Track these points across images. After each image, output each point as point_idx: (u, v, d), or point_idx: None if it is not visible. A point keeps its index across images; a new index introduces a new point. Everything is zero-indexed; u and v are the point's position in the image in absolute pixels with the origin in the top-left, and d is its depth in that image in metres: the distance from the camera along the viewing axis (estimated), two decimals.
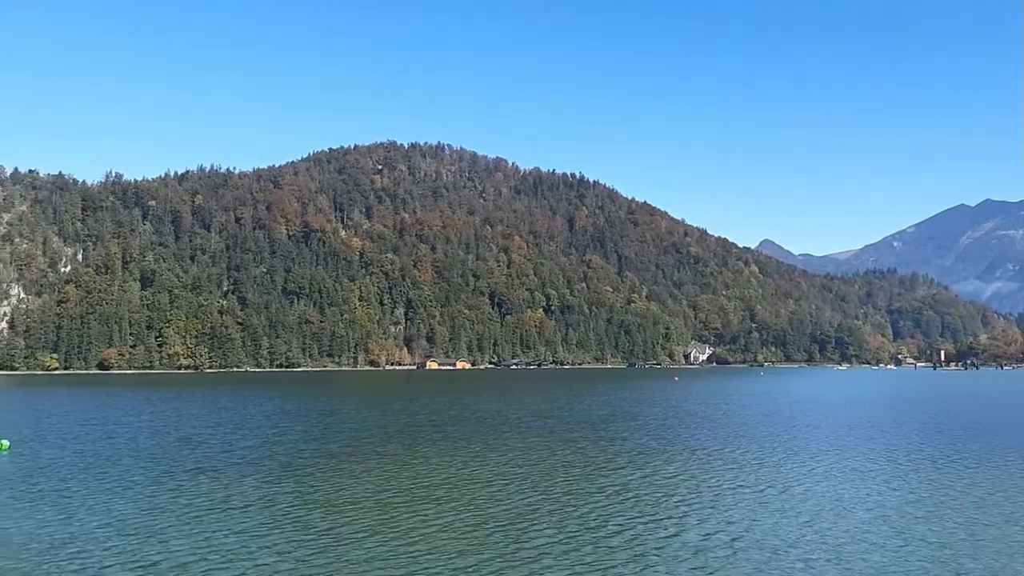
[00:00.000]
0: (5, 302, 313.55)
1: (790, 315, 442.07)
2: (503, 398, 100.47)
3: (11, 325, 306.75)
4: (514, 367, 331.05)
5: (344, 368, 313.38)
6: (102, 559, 22.70)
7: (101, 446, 48.81)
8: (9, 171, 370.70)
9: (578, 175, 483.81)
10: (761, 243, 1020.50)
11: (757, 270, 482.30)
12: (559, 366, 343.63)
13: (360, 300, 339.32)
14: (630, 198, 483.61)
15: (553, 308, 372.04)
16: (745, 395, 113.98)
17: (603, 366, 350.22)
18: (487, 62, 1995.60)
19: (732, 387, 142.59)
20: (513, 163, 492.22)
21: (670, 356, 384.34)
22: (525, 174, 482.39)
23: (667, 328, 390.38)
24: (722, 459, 42.80)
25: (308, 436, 53.67)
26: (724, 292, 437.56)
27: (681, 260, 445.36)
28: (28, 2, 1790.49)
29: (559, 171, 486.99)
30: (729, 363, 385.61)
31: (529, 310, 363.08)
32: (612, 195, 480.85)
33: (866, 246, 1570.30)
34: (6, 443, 47.92)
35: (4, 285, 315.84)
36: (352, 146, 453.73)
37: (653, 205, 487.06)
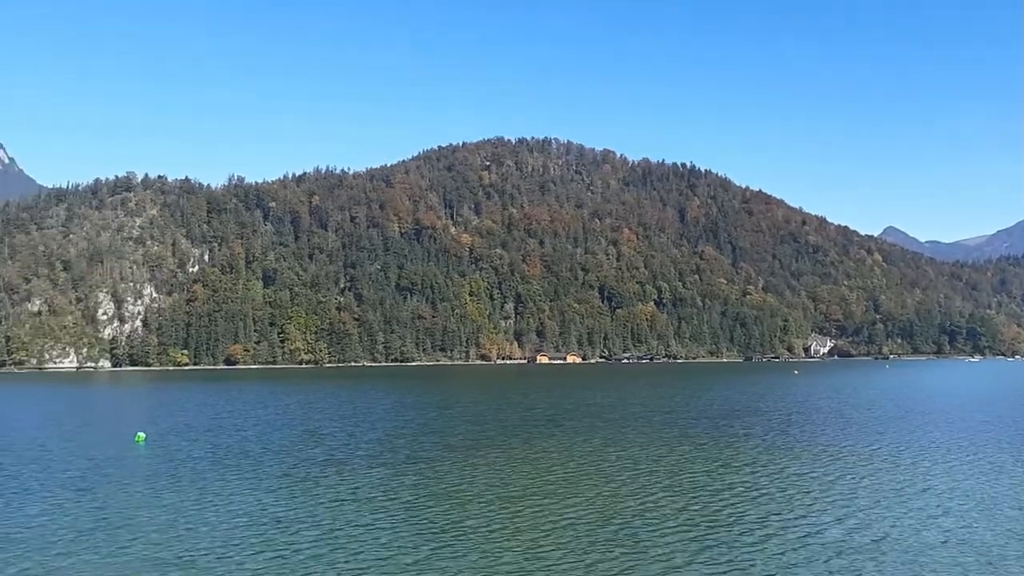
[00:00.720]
0: (139, 301, 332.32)
1: (917, 305, 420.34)
2: (618, 393, 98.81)
3: (145, 323, 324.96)
4: (625, 361, 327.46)
5: (456, 362, 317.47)
6: (233, 547, 22.98)
7: (232, 438, 50.14)
8: (140, 177, 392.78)
9: (689, 165, 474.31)
10: (885, 230, 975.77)
11: (881, 259, 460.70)
12: (672, 360, 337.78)
13: (470, 295, 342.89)
14: (744, 187, 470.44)
15: (665, 301, 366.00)
16: (872, 389, 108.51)
17: (718, 360, 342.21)
18: (591, 54, 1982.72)
19: (857, 381, 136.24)
20: (621, 155, 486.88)
21: (789, 349, 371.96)
22: (633, 165, 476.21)
23: (785, 320, 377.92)
24: (853, 456, 40.34)
25: (429, 429, 53.76)
26: (846, 282, 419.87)
27: (799, 250, 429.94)
28: (157, 15, 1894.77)
29: (668, 161, 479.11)
30: (852, 356, 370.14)
31: (640, 303, 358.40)
32: (725, 184, 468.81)
33: (999, 231, 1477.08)
34: (143, 435, 49.87)
35: (137, 285, 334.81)
36: (460, 143, 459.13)
37: (768, 194, 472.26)
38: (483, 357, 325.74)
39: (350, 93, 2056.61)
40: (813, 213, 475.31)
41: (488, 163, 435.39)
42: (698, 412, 68.68)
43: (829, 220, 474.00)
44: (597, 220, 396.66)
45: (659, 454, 41.17)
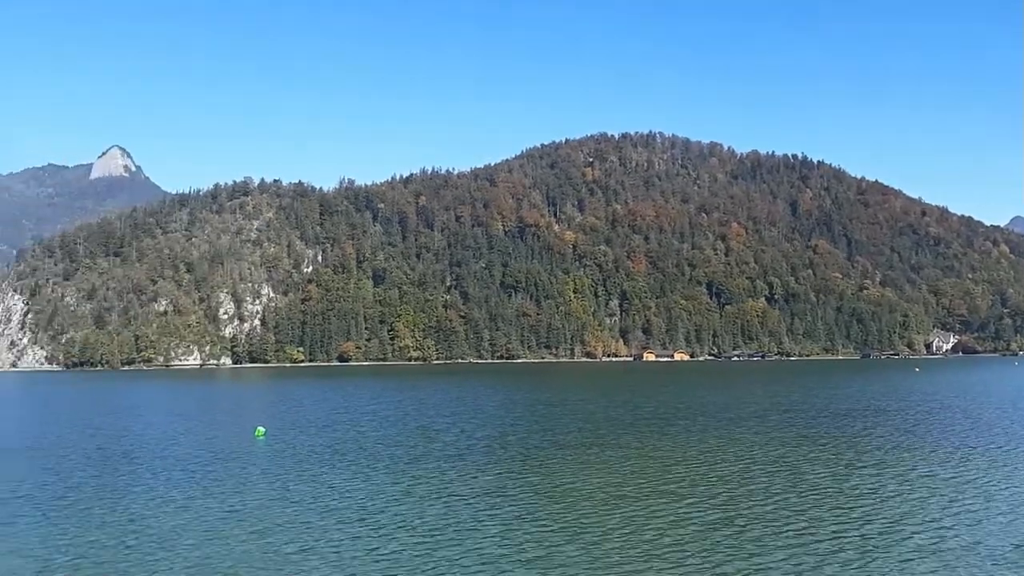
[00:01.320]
0: (257, 301, 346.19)
1: None
2: (730, 391, 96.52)
3: (263, 322, 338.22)
4: (735, 359, 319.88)
5: (561, 360, 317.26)
6: (350, 540, 23.33)
7: (348, 433, 51.30)
8: (257, 181, 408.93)
9: (800, 156, 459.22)
10: (1012, 220, 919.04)
11: (1008, 250, 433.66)
12: (784, 358, 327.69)
13: (575, 292, 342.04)
14: (859, 177, 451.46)
15: (776, 297, 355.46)
16: (1003, 387, 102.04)
17: (833, 357, 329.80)
18: (693, 46, 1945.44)
19: (986, 378, 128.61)
20: (729, 147, 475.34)
21: (909, 346, 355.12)
22: (742, 158, 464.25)
23: (905, 316, 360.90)
24: (988, 458, 37.96)
25: (540, 427, 53.65)
26: (970, 275, 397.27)
27: (919, 242, 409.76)
28: (270, 24, 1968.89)
29: (779, 153, 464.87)
30: (977, 352, 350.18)
31: (750, 299, 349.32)
32: (839, 175, 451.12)
33: None
34: (262, 429, 51.55)
35: (256, 285, 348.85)
36: (563, 140, 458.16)
37: (885, 184, 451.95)
38: (588, 355, 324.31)
39: (454, 94, 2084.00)
40: (933, 204, 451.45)
41: (591, 159, 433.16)
42: (816, 411, 66.27)
43: (951, 211, 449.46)
44: (704, 214, 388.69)
45: (778, 454, 39.82)
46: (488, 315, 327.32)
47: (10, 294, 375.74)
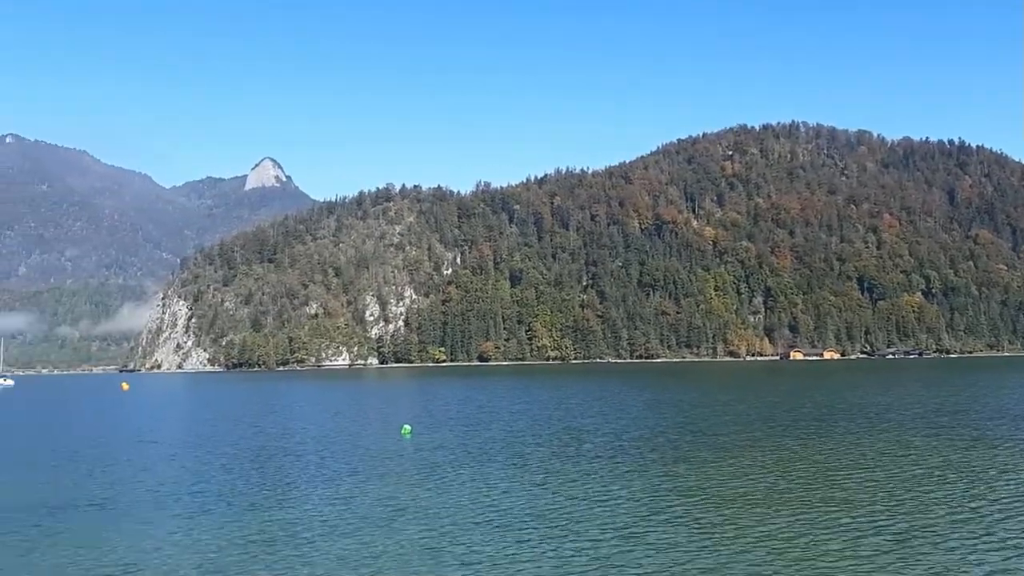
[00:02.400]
0: (400, 303, 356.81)
1: None
2: (890, 391, 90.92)
3: (406, 323, 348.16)
4: (890, 357, 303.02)
5: (703, 359, 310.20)
6: (500, 541, 22.86)
7: (493, 432, 51.36)
8: (398, 187, 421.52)
9: (957, 141, 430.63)
10: None
11: None
12: (944, 355, 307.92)
13: (716, 290, 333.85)
14: (1023, 162, 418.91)
15: (934, 291, 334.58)
16: None
17: (999, 354, 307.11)
18: (837, 29, 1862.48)
19: None
20: (878, 135, 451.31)
21: None
22: (893, 145, 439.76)
23: None
24: None
25: (691, 428, 52.05)
26: None
27: None
28: (402, 35, 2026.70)
29: (933, 139, 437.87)
30: None
31: (905, 294, 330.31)
32: (1000, 160, 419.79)
33: None
34: (408, 428, 52.37)
35: (399, 288, 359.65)
36: (700, 135, 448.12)
37: None
38: (731, 354, 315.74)
39: (587, 94, 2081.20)
40: None
41: (730, 152, 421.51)
42: (991, 412, 61.13)
43: None
44: (853, 206, 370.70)
45: (954, 459, 36.61)
46: (626, 314, 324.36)
47: (176, 300, 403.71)
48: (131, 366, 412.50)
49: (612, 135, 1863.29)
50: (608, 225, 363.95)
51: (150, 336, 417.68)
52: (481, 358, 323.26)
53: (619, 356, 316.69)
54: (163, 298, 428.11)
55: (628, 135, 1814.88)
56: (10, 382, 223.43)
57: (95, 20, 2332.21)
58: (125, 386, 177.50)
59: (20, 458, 44.81)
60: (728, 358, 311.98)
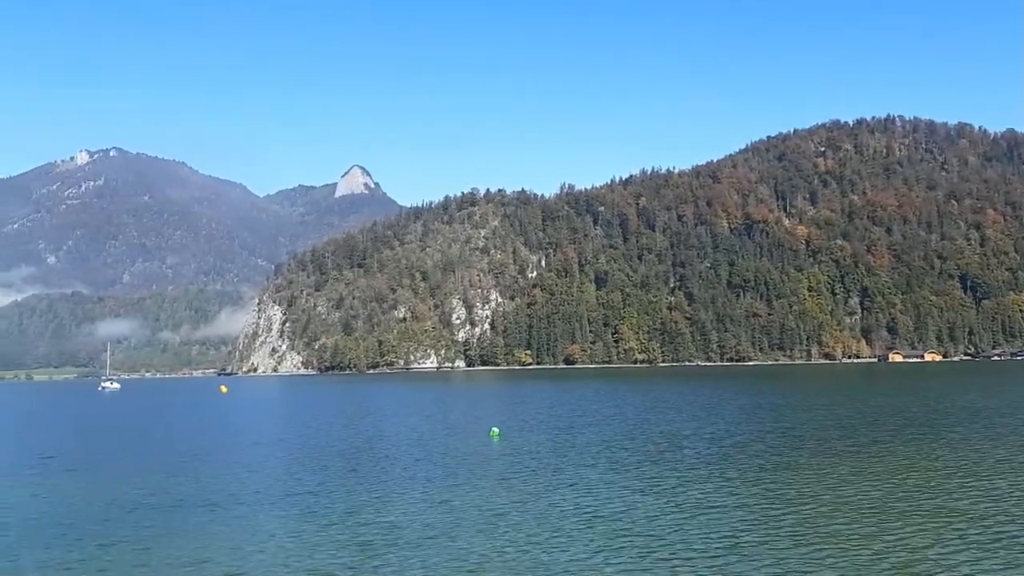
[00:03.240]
0: (486, 306, 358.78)
1: None
2: (1003, 394, 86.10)
3: (492, 326, 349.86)
4: (996, 358, 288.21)
5: (796, 361, 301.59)
6: (589, 545, 22.27)
7: (584, 435, 50.50)
8: (482, 192, 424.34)
9: None
10: None
11: None
12: None
13: (809, 290, 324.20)
14: None
15: None
16: None
17: None
18: (935, 18, 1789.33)
19: None
20: (980, 127, 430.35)
21: None
22: (996, 138, 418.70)
23: None
24: None
25: (792, 433, 50.16)
26: None
27: None
28: (484, 41, 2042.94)
29: None
30: None
31: (1012, 292, 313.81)
32: None
33: None
34: (497, 430, 52.09)
35: (484, 291, 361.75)
36: (791, 131, 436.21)
37: None
38: (826, 356, 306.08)
39: (671, 93, 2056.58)
40: None
41: (823, 149, 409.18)
42: None
43: None
44: (954, 202, 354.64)
45: None
46: (715, 316, 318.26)
47: (270, 305, 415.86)
48: (229, 369, 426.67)
49: (698, 134, 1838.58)
50: (696, 225, 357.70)
51: (246, 340, 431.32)
52: (567, 361, 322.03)
53: (708, 359, 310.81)
54: (259, 303, 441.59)
55: (715, 134, 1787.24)
56: (117, 385, 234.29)
57: (192, 35, 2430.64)
58: (223, 389, 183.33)
59: (133, 459, 46.40)
60: (823, 360, 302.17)
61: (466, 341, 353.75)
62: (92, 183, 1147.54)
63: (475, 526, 25.20)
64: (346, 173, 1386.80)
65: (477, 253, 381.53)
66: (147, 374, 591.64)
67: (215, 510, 28.68)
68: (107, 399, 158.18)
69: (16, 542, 24.15)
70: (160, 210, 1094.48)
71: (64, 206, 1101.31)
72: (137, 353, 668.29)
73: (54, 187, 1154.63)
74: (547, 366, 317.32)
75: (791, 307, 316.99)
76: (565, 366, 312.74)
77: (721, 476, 33.45)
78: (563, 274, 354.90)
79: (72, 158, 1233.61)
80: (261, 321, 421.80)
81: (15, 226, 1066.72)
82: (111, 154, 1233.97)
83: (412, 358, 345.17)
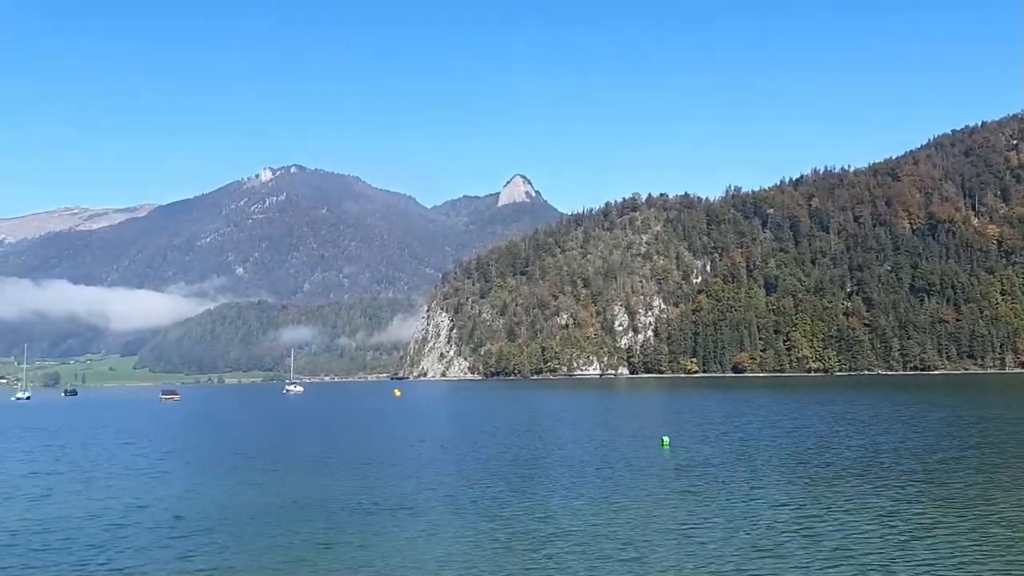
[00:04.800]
0: (649, 313, 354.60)
1: None
2: None
3: (656, 333, 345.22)
4: None
5: (989, 371, 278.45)
6: (764, 557, 21.39)
7: (768, 447, 48.75)
8: (644, 197, 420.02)
9: None
10: None
11: None
12: None
13: (1003, 294, 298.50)
14: None
15: None
16: None
17: None
18: None
19: None
20: None
21: None
22: None
23: None
24: None
25: (1009, 449, 46.11)
26: None
27: None
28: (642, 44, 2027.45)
29: None
30: None
31: None
32: None
33: None
34: (667, 439, 51.65)
35: (647, 298, 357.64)
36: (979, 124, 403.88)
37: None
38: (1023, 364, 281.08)
39: (842, 89, 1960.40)
40: None
41: (1015, 142, 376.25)
42: None
43: None
44: None
45: None
46: (896, 322, 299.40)
47: (438, 312, 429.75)
48: (401, 374, 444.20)
49: (873, 131, 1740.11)
50: (874, 226, 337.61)
51: (417, 346, 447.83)
52: (735, 369, 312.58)
53: (890, 368, 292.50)
54: (427, 310, 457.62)
55: (892, 129, 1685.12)
56: (300, 388, 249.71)
57: (359, 57, 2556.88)
58: (397, 392, 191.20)
59: (326, 461, 49.13)
60: (1019, 369, 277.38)
61: (629, 348, 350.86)
62: (275, 198, 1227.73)
63: (659, 538, 24.99)
64: (508, 182, 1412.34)
65: (639, 259, 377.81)
66: (326, 378, 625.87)
67: (396, 512, 29.72)
68: (292, 401, 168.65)
69: (228, 541, 25.82)
70: (336, 223, 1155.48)
71: (250, 220, 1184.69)
72: (317, 358, 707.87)
73: (241, 203, 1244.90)
74: (714, 374, 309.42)
75: (982, 312, 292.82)
76: (733, 375, 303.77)
77: (936, 496, 31.16)
78: (730, 279, 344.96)
79: (257, 175, 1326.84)
80: (430, 327, 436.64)
81: (208, 240, 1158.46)
82: (292, 171, 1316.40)
83: (575, 365, 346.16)
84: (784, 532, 25.29)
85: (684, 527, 26.24)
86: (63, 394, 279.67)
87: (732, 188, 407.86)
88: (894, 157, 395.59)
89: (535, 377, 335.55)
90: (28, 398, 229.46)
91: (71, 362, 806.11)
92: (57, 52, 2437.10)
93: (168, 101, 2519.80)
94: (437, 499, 32.24)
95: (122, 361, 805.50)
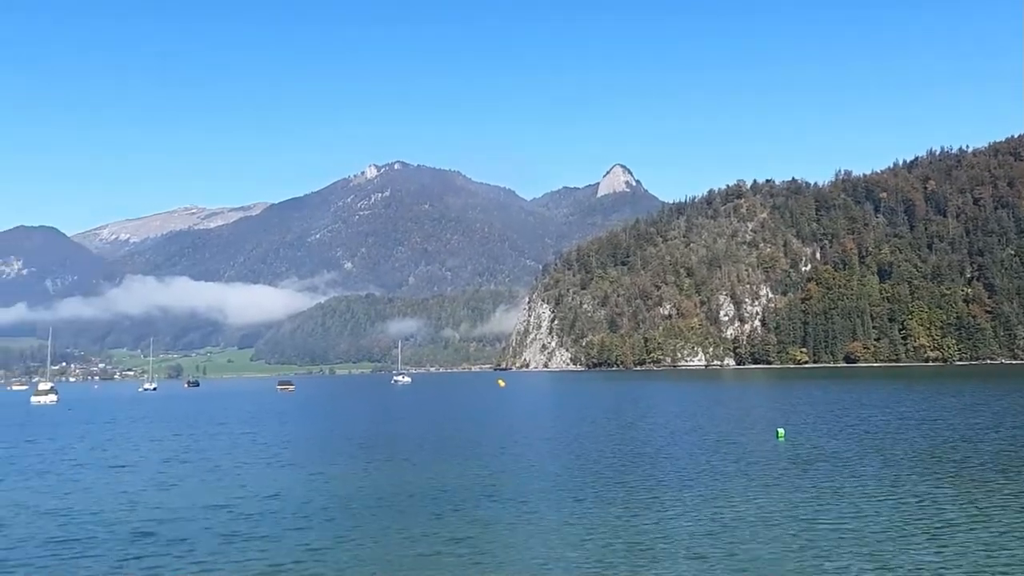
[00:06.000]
0: (756, 302, 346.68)
1: None
2: None
3: (763, 322, 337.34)
4: None
5: None
6: (889, 552, 20.96)
7: (898, 441, 46.55)
8: (749, 183, 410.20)
9: None
10: None
11: None
12: None
13: None
14: None
15: None
16: None
17: None
18: None
19: None
20: None
21: None
22: None
23: None
24: None
25: None
26: None
27: None
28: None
29: None
30: None
31: None
32: None
33: None
34: (782, 431, 50.42)
35: (754, 287, 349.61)
36: None
37: None
38: None
39: (959, 65, 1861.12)
40: None
41: None
42: None
43: None
44: None
45: None
46: (1021, 309, 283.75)
47: (540, 304, 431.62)
48: (503, 365, 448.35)
49: (993, 108, 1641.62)
50: (995, 209, 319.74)
51: (518, 337, 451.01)
52: (847, 359, 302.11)
53: (1014, 356, 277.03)
54: (529, 302, 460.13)
55: (1013, 107, 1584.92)
56: (408, 379, 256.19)
57: (462, 54, 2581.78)
58: (501, 383, 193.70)
59: (441, 450, 50.34)
60: None
61: (735, 338, 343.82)
62: (380, 195, 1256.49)
63: (748, 527, 24.65)
64: (608, 172, 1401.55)
65: (745, 247, 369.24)
66: (431, 369, 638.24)
67: (522, 504, 29.82)
68: (401, 391, 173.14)
69: (351, 532, 26.74)
70: (439, 217, 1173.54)
71: (357, 216, 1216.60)
72: (422, 349, 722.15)
73: (349, 199, 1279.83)
74: (825, 364, 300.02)
75: None
76: (845, 364, 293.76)
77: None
78: (841, 266, 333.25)
79: (363, 173, 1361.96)
80: (531, 319, 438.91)
81: (318, 236, 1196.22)
82: (396, 167, 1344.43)
83: (679, 355, 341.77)
84: (932, 529, 24.17)
85: (815, 524, 25.48)
86: (186, 385, 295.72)
87: (842, 172, 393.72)
88: (1016, 136, 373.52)
89: (638, 368, 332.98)
90: (155, 389, 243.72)
91: (192, 355, 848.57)
92: (181, 59, 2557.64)
93: (278, 103, 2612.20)
94: (553, 490, 32.41)
95: (239, 353, 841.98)
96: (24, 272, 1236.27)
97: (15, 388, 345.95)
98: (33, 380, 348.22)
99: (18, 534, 26.32)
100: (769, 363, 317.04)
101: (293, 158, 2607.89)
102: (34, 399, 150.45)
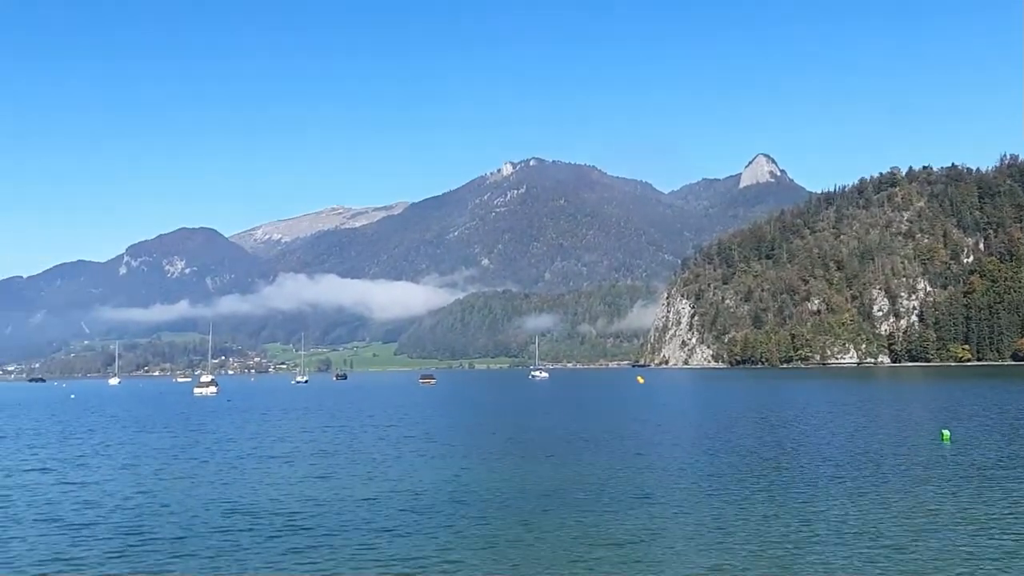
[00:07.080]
0: (913, 296, 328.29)
1: None
2: None
3: (920, 318, 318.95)
4: None
5: None
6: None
7: None
8: (904, 171, 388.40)
9: None
10: None
11: None
12: None
13: None
14: None
15: None
16: None
17: None
18: None
19: None
20: None
21: None
22: None
23: None
24: None
25: None
26: None
27: None
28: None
29: None
30: None
31: None
32: None
33: None
34: (947, 433, 47.90)
35: (910, 280, 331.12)
36: None
37: None
38: None
39: None
40: None
41: None
42: None
43: None
44: None
45: None
46: None
47: (679, 299, 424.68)
48: (642, 361, 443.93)
49: None
50: None
51: (657, 333, 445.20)
52: (1015, 357, 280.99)
53: None
54: (667, 297, 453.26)
55: None
56: (545, 375, 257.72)
57: (597, 44, 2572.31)
58: (640, 380, 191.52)
59: (590, 448, 50.14)
60: None
61: (890, 335, 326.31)
62: (516, 191, 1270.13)
63: (905, 528, 23.27)
64: (751, 163, 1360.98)
65: (900, 238, 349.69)
66: (568, 364, 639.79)
67: (671, 505, 29.11)
68: (539, 386, 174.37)
69: (499, 531, 26.87)
70: (575, 212, 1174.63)
71: (493, 213, 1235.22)
72: (559, 345, 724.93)
73: (485, 197, 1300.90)
74: (990, 362, 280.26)
75: None
76: (1013, 363, 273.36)
77: None
78: (1008, 258, 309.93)
79: (499, 170, 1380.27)
80: (670, 314, 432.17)
81: (456, 233, 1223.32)
82: (531, 164, 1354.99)
83: (828, 352, 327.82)
84: None
85: (987, 529, 23.79)
86: (335, 378, 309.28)
87: (1007, 157, 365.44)
88: None
89: (784, 366, 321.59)
90: (306, 381, 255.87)
91: (340, 349, 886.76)
92: (325, 68, 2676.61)
93: (416, 104, 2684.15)
94: (711, 491, 31.61)
95: (384, 348, 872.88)
96: (187, 271, 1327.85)
97: (179, 380, 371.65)
98: (196, 372, 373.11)
99: (186, 521, 27.66)
100: (928, 361, 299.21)
101: (432, 157, 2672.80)
102: (197, 390, 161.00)
